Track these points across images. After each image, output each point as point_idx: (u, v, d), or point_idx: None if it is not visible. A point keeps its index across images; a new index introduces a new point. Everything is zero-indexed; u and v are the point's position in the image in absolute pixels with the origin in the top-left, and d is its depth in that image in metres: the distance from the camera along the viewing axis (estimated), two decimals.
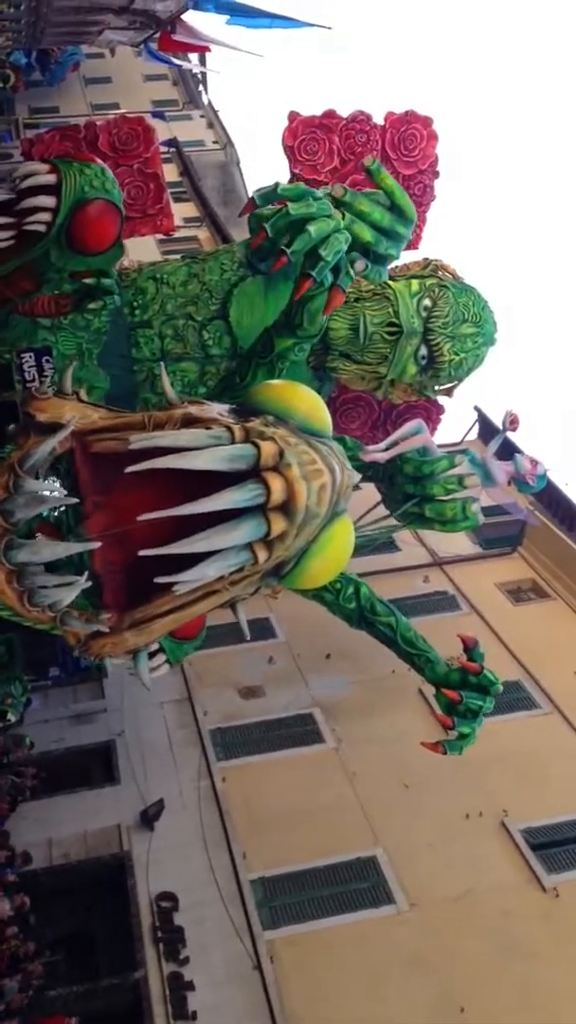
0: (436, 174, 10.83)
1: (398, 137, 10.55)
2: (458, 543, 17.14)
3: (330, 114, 10.80)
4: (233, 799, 12.44)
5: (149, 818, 12.00)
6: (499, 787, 12.41)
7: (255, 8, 20.03)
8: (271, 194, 6.46)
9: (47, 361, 8.02)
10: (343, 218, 6.69)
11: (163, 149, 16.32)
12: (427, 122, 10.65)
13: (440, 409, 11.35)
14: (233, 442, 4.16)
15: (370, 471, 8.53)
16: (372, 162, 6.88)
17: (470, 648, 7.86)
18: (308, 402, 4.63)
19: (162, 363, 4.95)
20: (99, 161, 6.64)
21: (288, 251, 5.96)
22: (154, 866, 11.55)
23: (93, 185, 6.37)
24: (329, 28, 21.15)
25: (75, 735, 13.34)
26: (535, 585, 17.18)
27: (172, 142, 27.23)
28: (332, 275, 6.14)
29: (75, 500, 4.53)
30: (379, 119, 10.79)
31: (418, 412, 11.19)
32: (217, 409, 4.58)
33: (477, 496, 8.50)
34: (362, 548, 7.87)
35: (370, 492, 9.32)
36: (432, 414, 11.30)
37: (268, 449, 4.08)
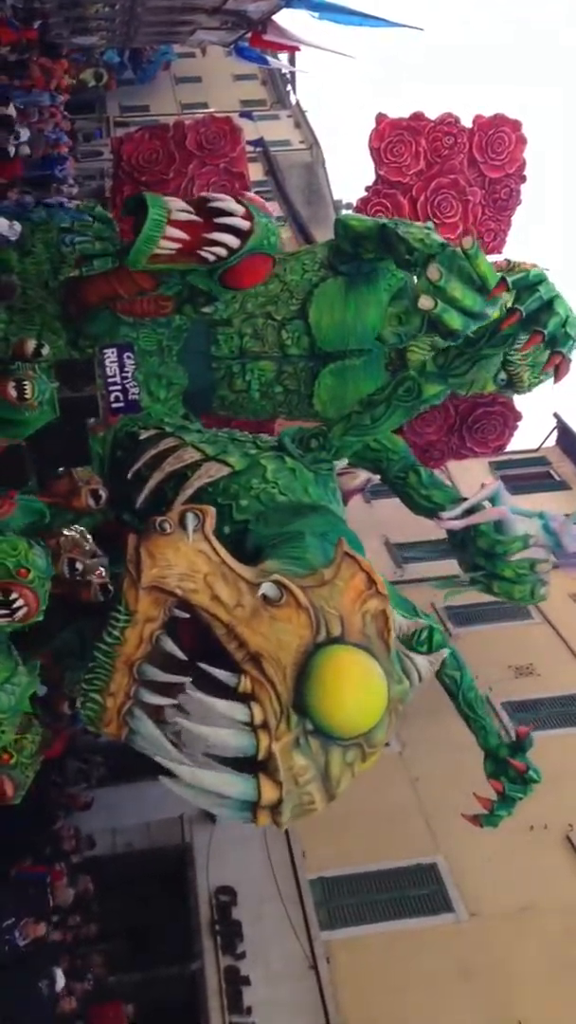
0: (523, 178, 10.68)
1: (486, 140, 10.42)
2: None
3: (418, 116, 10.71)
4: None
5: None
6: (565, 800, 12.17)
7: (347, 7, 19.91)
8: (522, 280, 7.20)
9: (128, 357, 8.15)
10: (435, 307, 6.53)
11: (249, 149, 16.41)
12: (516, 126, 10.50)
13: (517, 416, 11.20)
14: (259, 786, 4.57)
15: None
16: (471, 245, 6.62)
17: (521, 739, 7.72)
18: (352, 722, 4.88)
19: None
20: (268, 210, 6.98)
21: (545, 332, 6.67)
22: (214, 859, 11.66)
23: (270, 241, 6.86)
24: (421, 29, 20.85)
25: None
26: None
27: (259, 142, 27.35)
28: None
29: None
30: (467, 122, 10.67)
31: (495, 418, 11.04)
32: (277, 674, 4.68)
33: (547, 576, 8.28)
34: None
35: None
36: (508, 421, 11.14)
37: (267, 796, 4.59)
